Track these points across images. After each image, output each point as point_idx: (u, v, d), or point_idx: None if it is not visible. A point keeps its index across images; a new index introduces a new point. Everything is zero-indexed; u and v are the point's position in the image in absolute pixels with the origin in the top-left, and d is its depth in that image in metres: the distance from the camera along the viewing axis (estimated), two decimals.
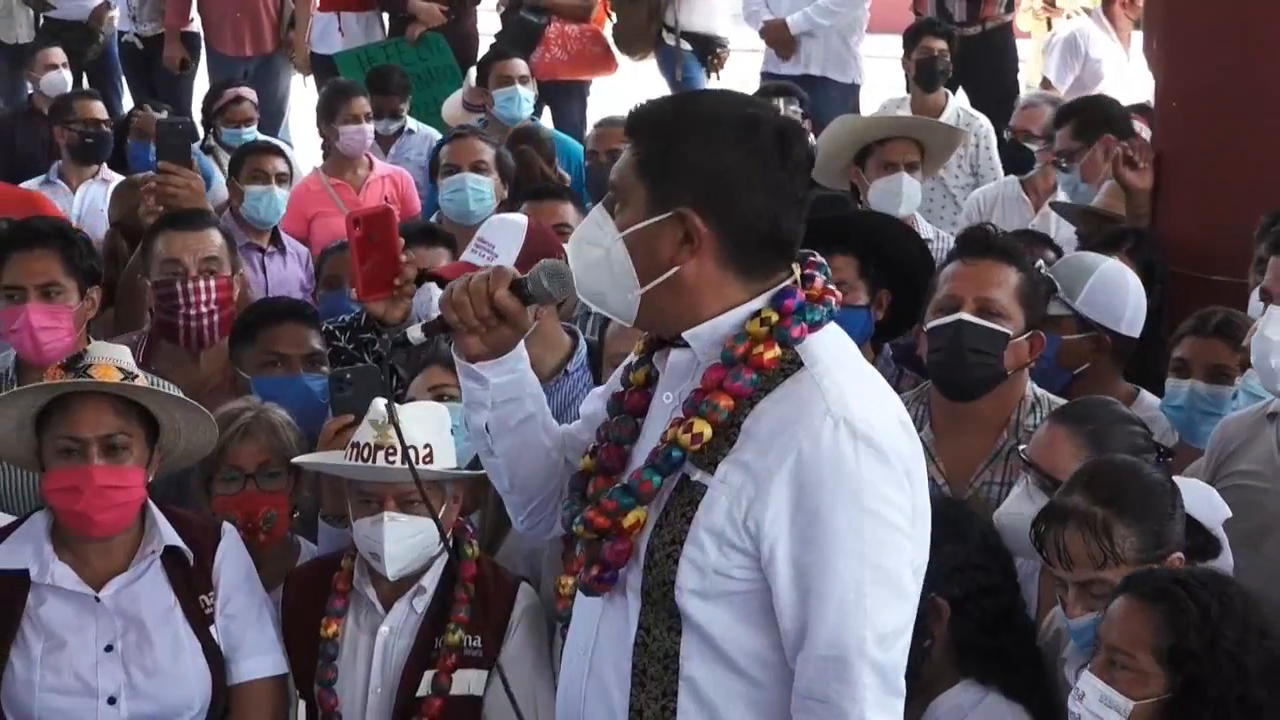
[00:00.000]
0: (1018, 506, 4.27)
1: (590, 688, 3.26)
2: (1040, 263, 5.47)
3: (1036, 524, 3.95)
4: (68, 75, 10.57)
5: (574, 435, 3.43)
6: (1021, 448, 4.43)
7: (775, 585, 3.08)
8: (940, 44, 9.59)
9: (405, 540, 4.20)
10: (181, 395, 4.47)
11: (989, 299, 4.68)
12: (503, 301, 3.21)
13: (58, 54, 10.53)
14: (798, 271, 3.21)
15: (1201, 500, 4.06)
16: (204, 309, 5.57)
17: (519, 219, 5.35)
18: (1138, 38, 10.54)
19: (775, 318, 3.13)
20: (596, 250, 3.16)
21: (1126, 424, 4.39)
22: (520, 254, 5.22)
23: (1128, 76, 10.28)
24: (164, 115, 8.28)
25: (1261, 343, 4.34)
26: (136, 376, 4.24)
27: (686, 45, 11.29)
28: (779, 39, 10.62)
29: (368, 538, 4.23)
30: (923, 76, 9.54)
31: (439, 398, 4.58)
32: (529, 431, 3.35)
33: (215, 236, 5.69)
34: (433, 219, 7.50)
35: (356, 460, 4.24)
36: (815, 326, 3.17)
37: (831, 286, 3.24)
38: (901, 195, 6.98)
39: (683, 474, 3.14)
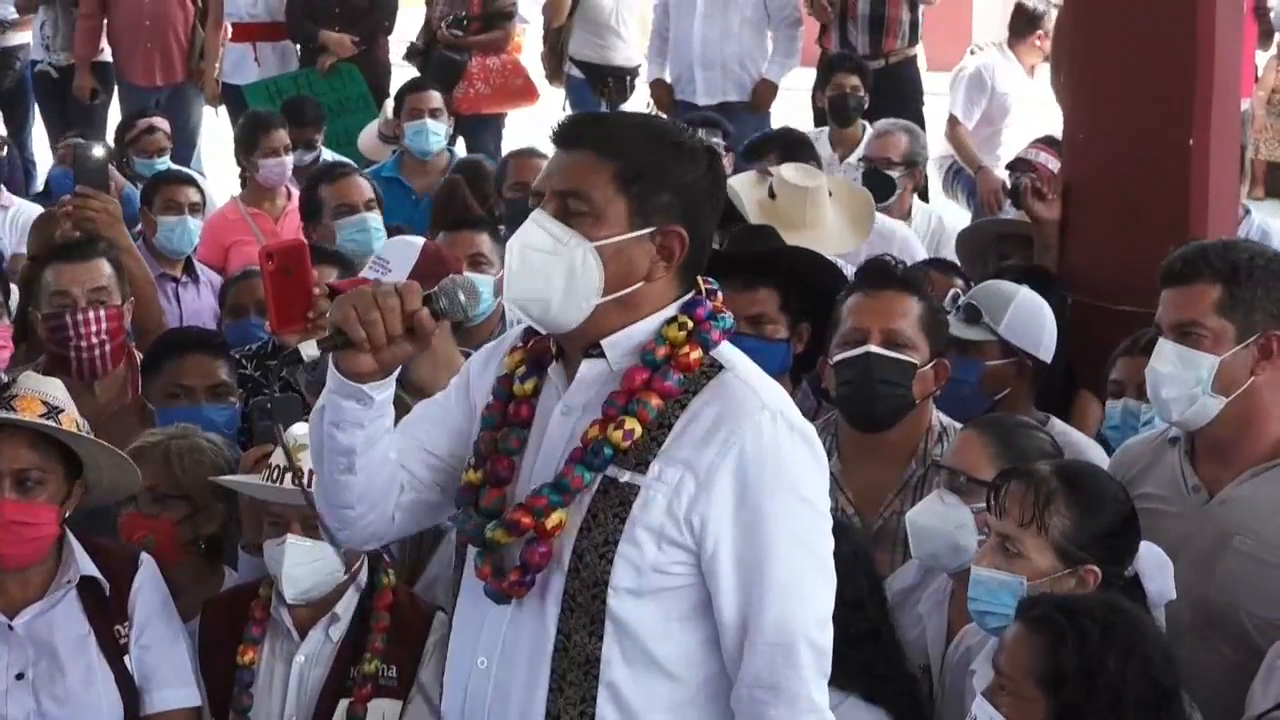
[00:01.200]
0: (930, 508, 4.36)
1: (495, 700, 3.26)
2: (955, 290, 5.54)
3: (997, 476, 4.06)
4: None
5: (416, 444, 3.40)
6: (937, 453, 4.51)
7: (717, 577, 3.17)
8: (853, 80, 9.76)
9: (306, 564, 4.21)
10: (102, 443, 4.38)
11: (894, 330, 4.73)
12: (422, 318, 3.16)
13: None
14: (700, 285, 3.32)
15: (1156, 570, 4.08)
16: (94, 340, 5.56)
17: (415, 239, 5.38)
18: (1043, 70, 10.68)
19: (691, 323, 3.23)
20: (552, 259, 3.17)
21: (1036, 431, 4.52)
22: (412, 271, 5.25)
23: (1032, 110, 10.40)
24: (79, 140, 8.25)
25: (1152, 375, 4.42)
26: (62, 411, 4.20)
27: (579, 74, 11.38)
28: (769, 96, 10.84)
29: (272, 559, 4.25)
30: (836, 112, 9.77)
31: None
32: (386, 444, 3.32)
33: (104, 266, 5.67)
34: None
35: (267, 482, 4.25)
36: (726, 333, 3.28)
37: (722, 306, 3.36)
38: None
39: (605, 477, 3.18)
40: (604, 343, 3.23)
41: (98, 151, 6.27)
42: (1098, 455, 5.00)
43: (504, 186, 8.03)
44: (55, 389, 4.26)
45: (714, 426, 3.17)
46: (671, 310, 3.26)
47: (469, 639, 3.33)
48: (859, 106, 9.73)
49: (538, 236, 3.19)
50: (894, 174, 8.38)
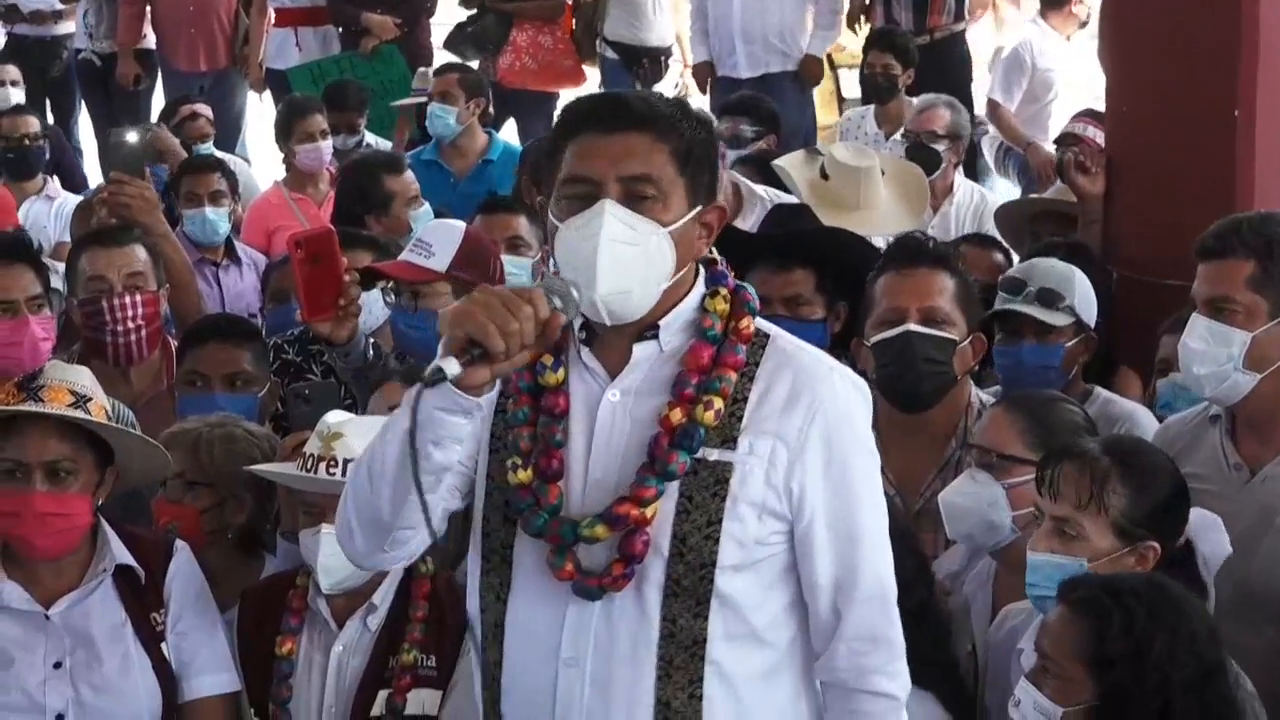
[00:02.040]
0: (962, 486, 4.34)
1: (595, 697, 3.22)
2: (1008, 275, 5.44)
3: (1044, 459, 4.02)
4: (14, 92, 10.53)
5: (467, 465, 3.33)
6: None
7: (813, 540, 3.23)
8: (886, 58, 9.70)
9: (339, 554, 4.16)
10: (128, 429, 4.40)
11: (932, 307, 4.71)
12: (555, 324, 3.06)
13: (9, 71, 10.51)
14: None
15: (1206, 530, 4.06)
16: (130, 325, 5.56)
17: (455, 223, 5.36)
18: (1080, 37, 10.60)
19: (726, 293, 3.25)
20: (632, 249, 3.13)
21: (1065, 404, 4.49)
22: (455, 256, 5.23)
23: (1078, 81, 10.32)
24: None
25: (1184, 350, 4.38)
26: (90, 399, 4.17)
27: (612, 55, 11.35)
28: (818, 71, 10.79)
29: (307, 549, 4.22)
30: (871, 91, 9.82)
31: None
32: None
33: (140, 252, 5.67)
34: None
35: (302, 471, 4.22)
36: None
37: None
38: None
39: (696, 457, 3.18)
40: (662, 323, 3.22)
41: (132, 138, 6.25)
42: (1147, 420, 5.00)
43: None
44: (83, 377, 4.23)
45: (793, 394, 3.21)
46: (702, 285, 3.27)
47: (543, 640, 3.26)
48: (892, 86, 9.67)
49: (618, 229, 3.12)
50: (939, 147, 8.33)
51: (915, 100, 8.87)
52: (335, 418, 4.28)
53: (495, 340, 2.98)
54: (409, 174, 7.38)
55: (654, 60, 11.38)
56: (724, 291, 3.25)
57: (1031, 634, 3.96)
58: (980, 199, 8.39)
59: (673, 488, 3.17)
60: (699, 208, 3.19)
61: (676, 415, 3.17)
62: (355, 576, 4.19)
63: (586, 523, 3.18)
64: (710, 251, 3.29)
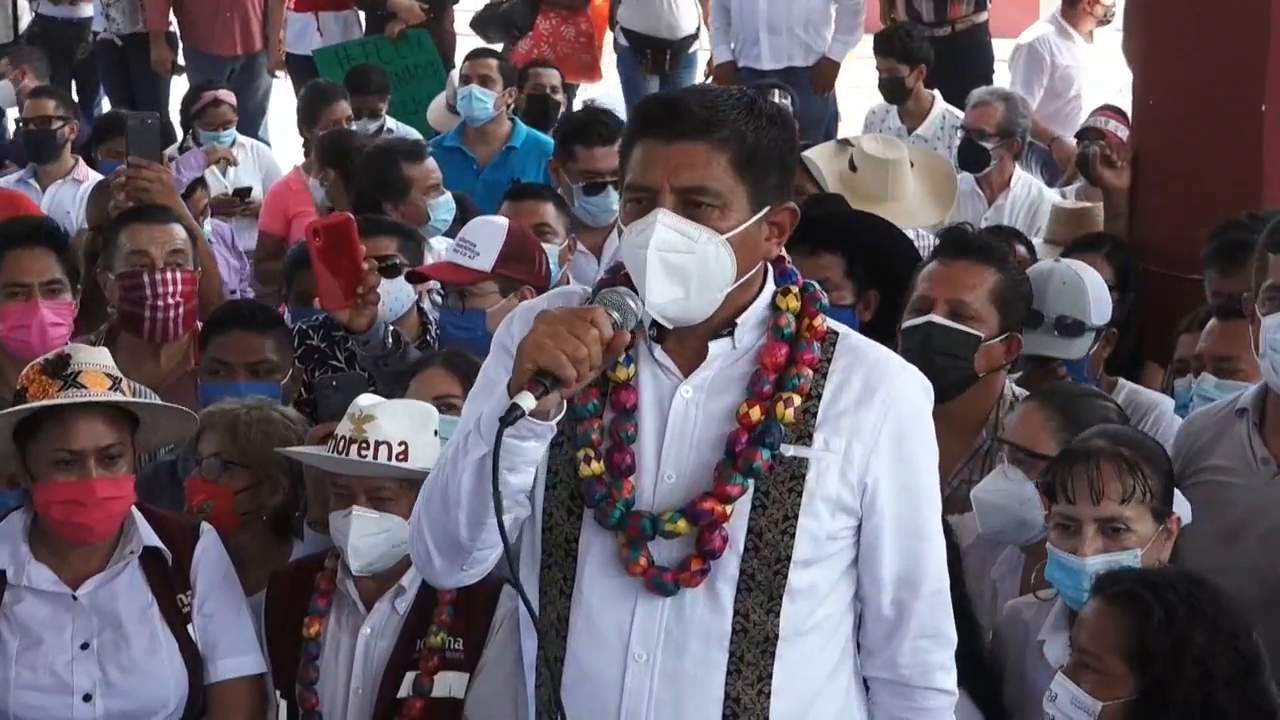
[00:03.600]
0: (994, 484, 4.35)
1: (665, 692, 3.22)
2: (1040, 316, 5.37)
3: (1056, 464, 4.01)
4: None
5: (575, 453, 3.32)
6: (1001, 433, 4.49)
7: (882, 535, 3.26)
8: (889, 62, 9.61)
9: (371, 536, 4.18)
10: (170, 405, 4.42)
11: (961, 301, 4.69)
12: (620, 342, 3.10)
13: (31, 55, 10.53)
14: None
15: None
16: (170, 300, 5.57)
17: (500, 220, 5.35)
18: (1101, 35, 10.57)
19: (798, 291, 3.27)
20: (685, 257, 3.13)
21: (1098, 399, 4.49)
22: (500, 253, 5.22)
23: (1095, 77, 10.30)
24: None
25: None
26: (121, 380, 4.21)
27: (624, 42, 11.34)
28: (832, 75, 10.74)
29: (338, 531, 4.22)
30: (883, 94, 9.77)
31: (445, 409, 4.48)
32: None
33: (180, 231, 5.70)
34: None
35: (334, 453, 4.24)
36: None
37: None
38: None
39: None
40: (738, 321, 3.24)
41: (150, 122, 6.25)
42: (1168, 407, 5.01)
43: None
44: (107, 358, 4.27)
45: (866, 390, 3.23)
46: (772, 283, 3.29)
47: (611, 636, 3.26)
48: (898, 88, 9.59)
49: (671, 238, 3.13)
50: (989, 145, 8.30)
51: (971, 94, 8.76)
52: (367, 400, 4.29)
53: (568, 370, 3.02)
54: (430, 161, 7.35)
55: (660, 52, 11.30)
56: (794, 289, 3.27)
57: (1051, 625, 3.97)
58: (1037, 194, 8.33)
59: (750, 481, 3.19)
60: (765, 209, 3.19)
61: (755, 413, 3.19)
62: (385, 559, 4.20)
63: (668, 517, 3.19)
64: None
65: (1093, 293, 5.23)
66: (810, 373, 3.22)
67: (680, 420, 3.23)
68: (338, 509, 4.24)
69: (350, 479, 4.22)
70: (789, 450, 3.20)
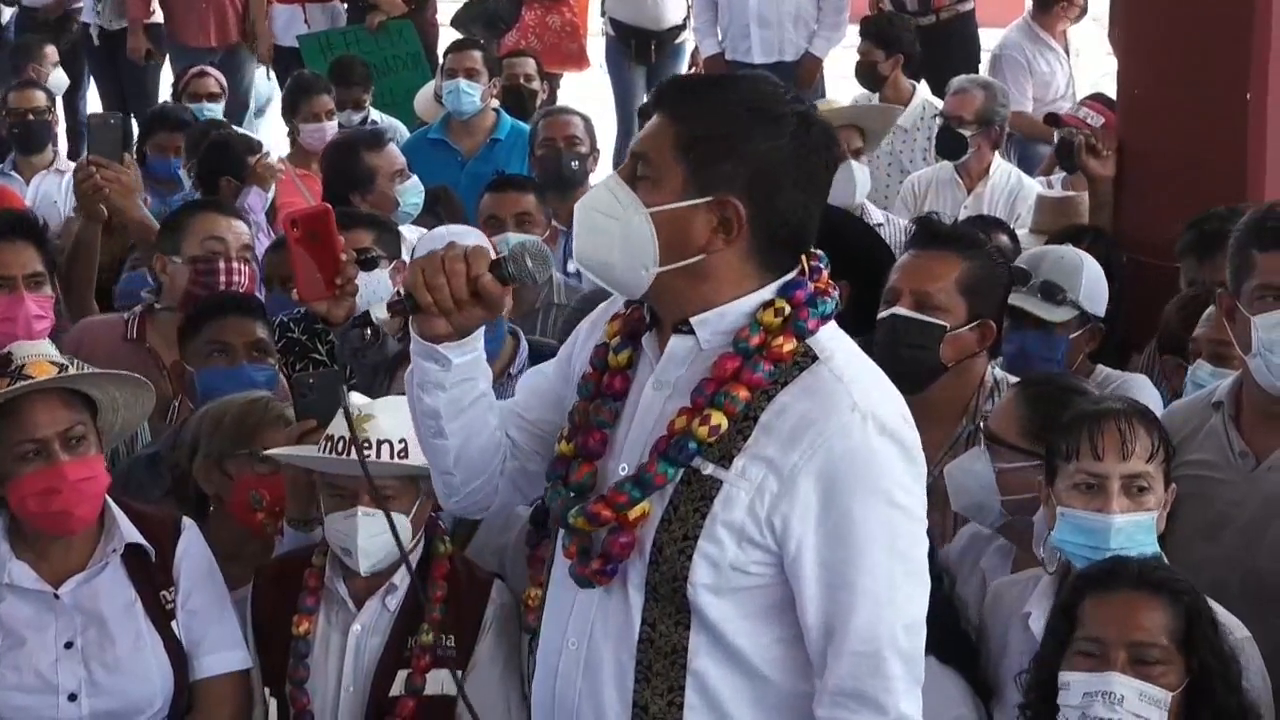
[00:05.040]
0: (963, 463, 4.35)
1: (585, 683, 3.21)
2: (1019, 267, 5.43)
3: (1074, 424, 3.97)
4: (58, 74, 10.53)
5: (514, 412, 3.36)
6: (988, 409, 4.52)
7: (801, 582, 3.08)
8: (867, 45, 9.56)
9: (378, 536, 4.14)
10: (120, 372, 4.40)
11: (924, 292, 4.67)
12: (486, 285, 3.11)
13: (52, 53, 10.54)
14: (804, 263, 3.20)
15: None
16: (238, 291, 5.65)
17: (474, 231, 5.36)
18: (1076, 36, 10.55)
19: (788, 309, 3.12)
20: (611, 221, 3.11)
21: (1081, 395, 4.42)
22: None
23: (1072, 78, 10.29)
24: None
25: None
26: (68, 365, 4.20)
27: (611, 31, 11.32)
28: (815, 71, 10.73)
29: (340, 533, 4.19)
30: (859, 80, 9.69)
31: None
32: (479, 410, 3.26)
33: (247, 229, 5.86)
34: None
35: (330, 454, 4.22)
36: (825, 319, 3.17)
37: (831, 281, 3.23)
38: (855, 182, 7.16)
39: (689, 468, 3.11)
40: (693, 320, 3.14)
41: (113, 122, 6.25)
42: (1150, 393, 5.02)
43: (535, 144, 7.99)
44: (48, 347, 4.27)
45: (801, 425, 3.06)
46: (769, 292, 3.14)
47: (560, 619, 3.27)
48: (872, 72, 9.51)
49: (601, 197, 3.14)
50: (966, 132, 8.28)
51: (951, 82, 8.75)
52: (362, 399, 4.26)
53: (422, 294, 3.11)
54: (392, 147, 7.33)
55: (644, 43, 11.30)
56: (782, 304, 3.12)
57: (1041, 597, 3.97)
58: (1016, 182, 8.29)
59: (666, 492, 3.12)
60: (704, 199, 3.08)
61: (680, 423, 3.11)
62: (390, 557, 4.18)
63: (574, 513, 3.17)
64: (807, 261, 3.19)
65: (1087, 275, 5.26)
66: (745, 393, 3.07)
67: (643, 412, 3.18)
68: (336, 510, 4.20)
69: (350, 479, 4.18)
70: (708, 468, 3.09)
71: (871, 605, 3.05)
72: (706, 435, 3.07)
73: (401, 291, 3.17)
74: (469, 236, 5.23)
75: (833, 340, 3.17)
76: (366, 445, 4.13)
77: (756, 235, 3.11)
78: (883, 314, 4.70)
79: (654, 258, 3.09)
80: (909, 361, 4.62)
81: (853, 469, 3.05)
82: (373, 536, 4.15)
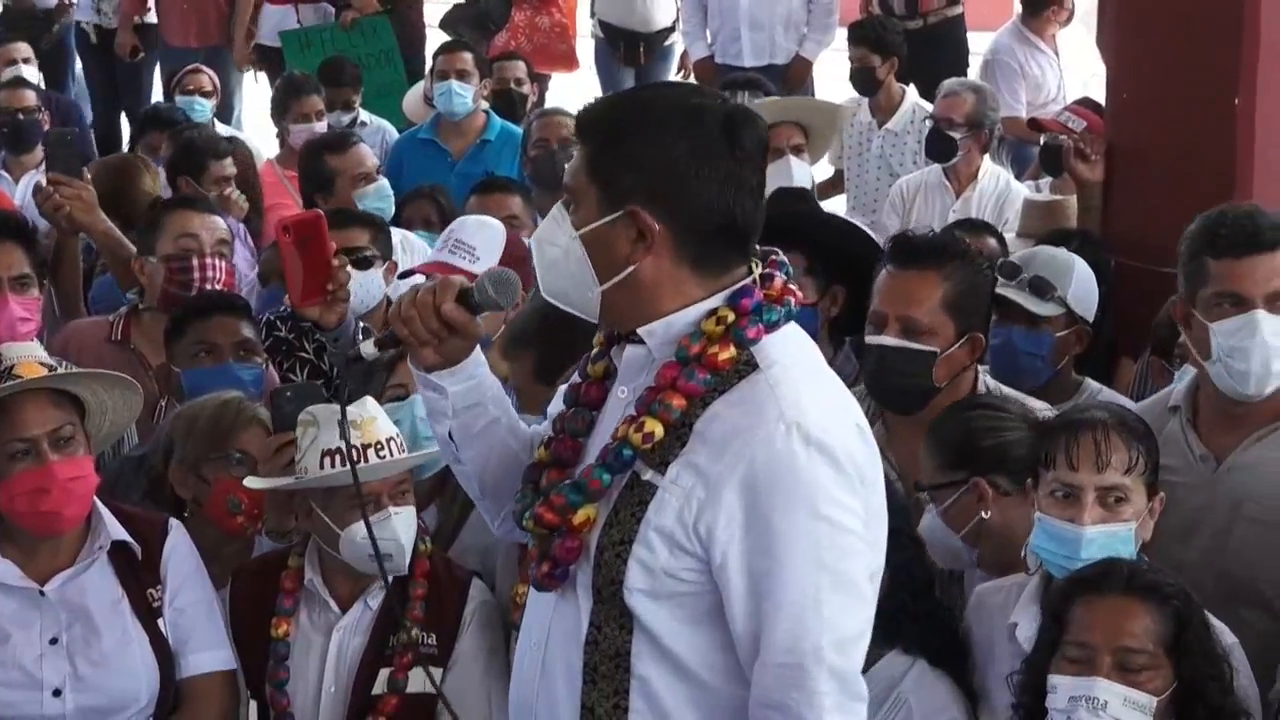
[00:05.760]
0: (923, 524, 4.31)
1: (542, 684, 3.24)
2: (1007, 261, 5.44)
3: (1053, 431, 3.98)
4: (27, 70, 10.49)
5: (542, 436, 3.39)
6: None
7: (727, 591, 3.09)
8: (860, 51, 9.54)
9: (410, 529, 4.20)
10: (109, 372, 4.42)
11: (911, 318, 4.61)
12: (450, 314, 3.21)
13: (21, 49, 10.50)
14: (758, 270, 3.20)
15: None
16: (214, 287, 5.64)
17: (494, 223, 5.36)
18: (1063, 38, 10.55)
19: (732, 317, 3.12)
20: (555, 250, 3.18)
21: (969, 413, 4.44)
22: (501, 259, 5.26)
23: (1063, 81, 10.30)
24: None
25: (1263, 349, 4.28)
26: (57, 366, 4.22)
27: (600, 34, 11.33)
28: (805, 74, 10.73)
29: (378, 539, 3.92)
30: (853, 84, 9.65)
31: (395, 398, 4.64)
32: (494, 436, 3.34)
33: (223, 223, 5.87)
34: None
35: (339, 467, 4.16)
36: (772, 327, 3.16)
37: (793, 286, 3.23)
38: (792, 179, 7.15)
39: (633, 472, 3.13)
40: (641, 331, 3.18)
41: (70, 138, 6.23)
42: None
43: (528, 144, 7.98)
44: (37, 348, 4.29)
45: (730, 434, 3.08)
46: (717, 300, 3.16)
47: (529, 618, 3.34)
48: (869, 78, 9.48)
49: (547, 229, 3.23)
50: (956, 135, 8.28)
51: (942, 85, 8.75)
52: (355, 409, 4.21)
53: (398, 327, 3.24)
54: (358, 150, 7.27)
55: (632, 45, 11.30)
56: (726, 313, 3.12)
57: (1025, 605, 3.97)
58: (1004, 186, 8.30)
59: (610, 496, 3.14)
60: (616, 214, 3.11)
61: (622, 430, 3.14)
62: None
63: (525, 516, 3.22)
64: (753, 267, 3.20)
65: (1078, 276, 5.28)
66: (681, 401, 3.09)
67: (610, 421, 3.22)
68: (358, 520, 4.09)
69: (375, 483, 4.17)
70: (646, 474, 3.11)
71: (794, 617, 3.05)
72: (641, 442, 3.10)
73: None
74: (490, 226, 5.24)
75: (781, 349, 3.17)
76: (381, 447, 4.15)
77: (678, 238, 3.12)
78: (870, 341, 4.67)
79: (593, 277, 3.15)
80: (903, 390, 4.63)
81: (774, 479, 3.04)
82: (409, 529, 4.19)
